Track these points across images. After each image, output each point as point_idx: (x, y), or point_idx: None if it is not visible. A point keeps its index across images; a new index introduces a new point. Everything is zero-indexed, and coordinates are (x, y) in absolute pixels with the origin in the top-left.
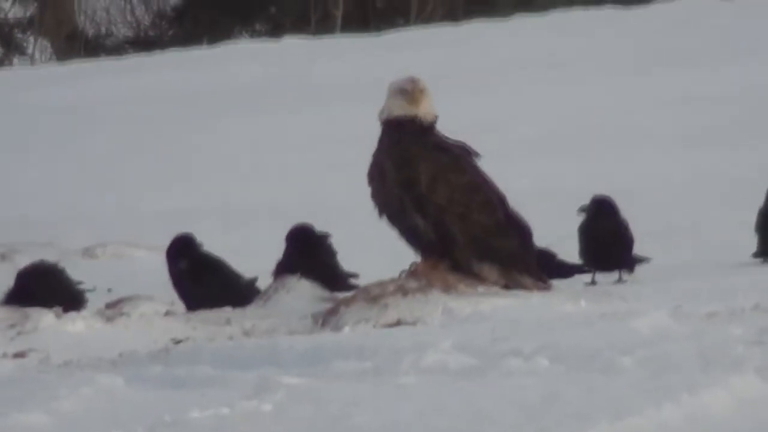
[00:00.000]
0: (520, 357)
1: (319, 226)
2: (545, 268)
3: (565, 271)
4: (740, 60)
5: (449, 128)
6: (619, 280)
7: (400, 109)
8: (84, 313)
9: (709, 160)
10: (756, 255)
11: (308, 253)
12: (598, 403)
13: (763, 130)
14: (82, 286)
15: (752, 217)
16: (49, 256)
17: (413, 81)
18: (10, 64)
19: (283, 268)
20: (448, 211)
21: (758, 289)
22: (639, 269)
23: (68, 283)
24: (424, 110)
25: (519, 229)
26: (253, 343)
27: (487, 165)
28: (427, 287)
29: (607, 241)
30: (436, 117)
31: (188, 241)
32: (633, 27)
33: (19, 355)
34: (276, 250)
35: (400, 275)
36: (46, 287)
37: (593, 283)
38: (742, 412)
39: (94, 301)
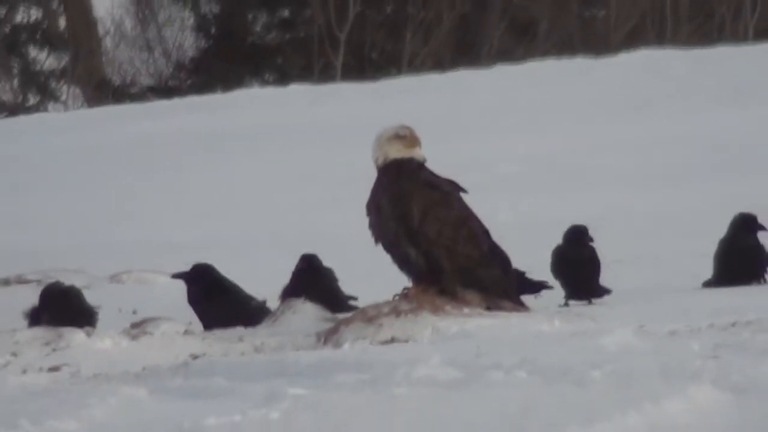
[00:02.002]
0: (501, 370)
1: (321, 255)
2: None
3: (533, 287)
4: (696, 106)
5: (439, 166)
6: (589, 302)
7: (397, 153)
8: (111, 332)
9: (670, 196)
10: (707, 284)
11: (314, 279)
12: (570, 411)
13: (718, 170)
14: (96, 308)
15: (708, 248)
16: (80, 282)
17: (408, 128)
18: (46, 109)
19: (290, 292)
20: (437, 243)
21: (712, 311)
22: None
23: (81, 302)
24: (417, 153)
25: (500, 260)
26: (262, 358)
27: (472, 200)
28: (418, 309)
29: (580, 265)
30: (426, 159)
31: (207, 268)
32: (601, 76)
33: (53, 369)
34: (280, 276)
35: (393, 298)
36: (62, 305)
37: (566, 305)
38: (699, 419)
39: (121, 321)
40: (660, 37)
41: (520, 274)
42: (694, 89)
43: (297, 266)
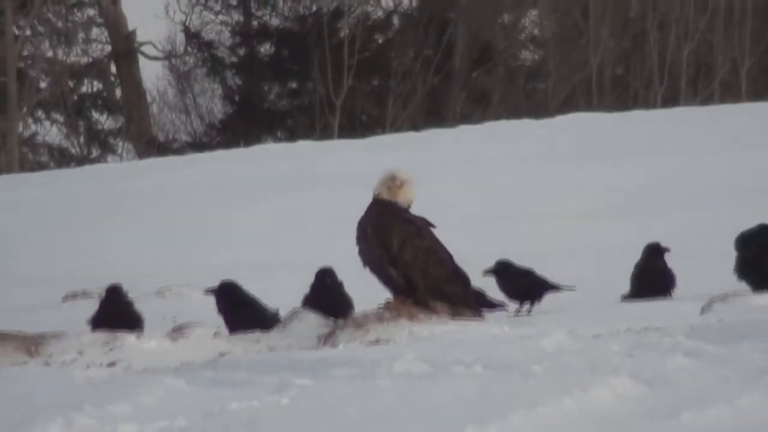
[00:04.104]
0: (462, 365)
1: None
2: (478, 302)
3: (491, 305)
4: (617, 158)
5: (414, 206)
6: (529, 312)
7: (387, 195)
8: (156, 335)
9: (597, 230)
10: (625, 298)
11: (326, 287)
12: (517, 397)
13: (634, 210)
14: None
15: (626, 270)
16: (132, 296)
17: (394, 179)
18: (105, 161)
19: (308, 301)
20: (412, 266)
21: (629, 319)
22: (545, 304)
23: (130, 309)
24: (402, 198)
25: (462, 279)
26: (275, 356)
27: (440, 233)
28: (398, 317)
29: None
30: (412, 202)
31: (231, 285)
32: (542, 134)
33: (110, 364)
34: (289, 292)
35: (378, 308)
36: (116, 310)
37: (516, 314)
38: (618, 404)
39: (163, 327)
40: (588, 104)
41: (480, 294)
42: (615, 145)
43: (316, 278)
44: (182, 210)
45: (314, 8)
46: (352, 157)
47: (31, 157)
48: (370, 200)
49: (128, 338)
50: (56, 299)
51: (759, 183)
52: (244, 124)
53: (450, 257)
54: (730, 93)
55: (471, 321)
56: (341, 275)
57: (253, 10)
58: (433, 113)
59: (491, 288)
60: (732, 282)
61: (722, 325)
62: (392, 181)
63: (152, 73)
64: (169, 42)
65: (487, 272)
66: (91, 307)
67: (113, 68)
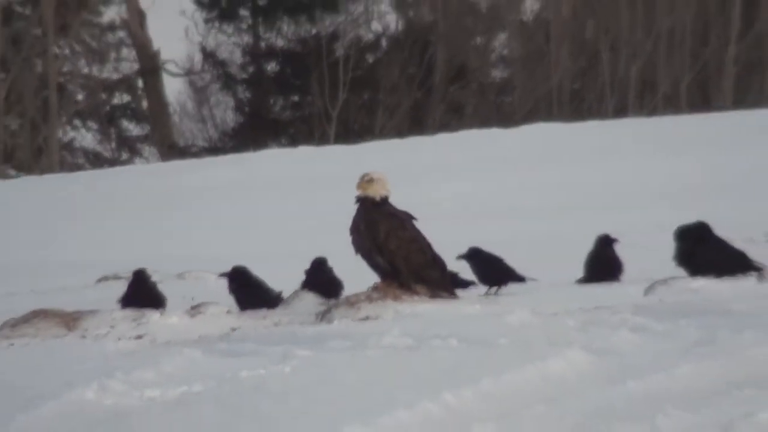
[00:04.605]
0: (439, 339)
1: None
2: (452, 282)
3: (463, 284)
4: (574, 161)
5: (399, 203)
6: (496, 293)
7: (362, 191)
8: (177, 312)
9: (556, 225)
10: (579, 281)
11: (321, 273)
12: (486, 365)
13: (588, 206)
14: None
15: (580, 258)
16: (156, 278)
17: (363, 176)
18: (133, 163)
19: (306, 284)
20: (396, 254)
21: (582, 299)
22: (511, 286)
23: (154, 290)
24: (372, 192)
25: (439, 265)
26: (280, 330)
27: (421, 225)
28: (384, 297)
29: (495, 268)
30: (386, 195)
31: (242, 269)
32: (509, 141)
33: (138, 337)
34: (291, 276)
35: (367, 290)
36: (143, 291)
37: (486, 295)
38: (573, 372)
39: (183, 305)
40: (549, 115)
41: (454, 275)
42: (572, 151)
43: (311, 265)
44: (199, 205)
45: (314, 32)
46: (345, 161)
47: (69, 160)
48: (355, 200)
49: (153, 315)
50: (91, 281)
51: (693, 183)
52: (253, 132)
53: (429, 245)
54: (671, 105)
55: (447, 301)
56: (335, 262)
57: (260, 33)
58: (416, 123)
59: (464, 270)
60: (671, 268)
61: (662, 305)
62: (362, 179)
63: (174, 88)
64: (188, 60)
65: (460, 257)
66: (121, 288)
67: (140, 83)
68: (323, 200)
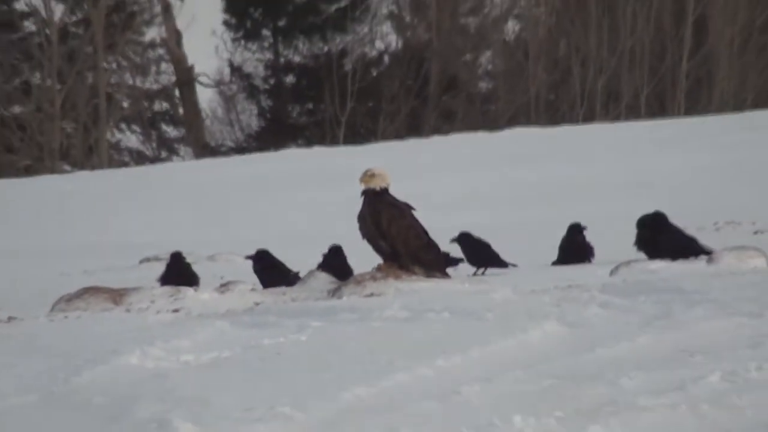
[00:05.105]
0: (433, 312)
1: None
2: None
3: (453, 262)
4: (548, 161)
5: (400, 195)
6: (483, 273)
7: (365, 184)
8: (208, 289)
9: (534, 214)
10: (554, 263)
11: (336, 258)
12: (475, 336)
13: (559, 200)
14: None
15: (554, 243)
16: (190, 259)
17: (366, 172)
18: (171, 160)
19: (322, 265)
20: (396, 238)
21: (557, 279)
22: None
23: (189, 270)
24: (374, 184)
25: (434, 248)
26: (296, 305)
27: (419, 214)
28: (386, 276)
29: (482, 251)
30: (385, 187)
31: (265, 252)
32: (493, 143)
33: (175, 311)
34: (307, 258)
35: (372, 270)
36: (179, 270)
37: (475, 275)
38: (549, 342)
39: (214, 283)
40: (527, 121)
41: (446, 254)
42: (547, 152)
43: (329, 250)
44: (228, 197)
45: (326, 49)
46: (353, 159)
47: (116, 158)
48: (361, 193)
49: (188, 291)
50: (134, 262)
51: (652, 179)
52: (273, 135)
53: (425, 231)
54: (632, 113)
55: (441, 280)
56: (345, 245)
57: (280, 50)
58: (413, 127)
59: (455, 251)
60: (632, 252)
61: (626, 284)
62: (365, 174)
63: (206, 96)
64: (218, 73)
65: (452, 240)
66: (160, 268)
67: (177, 93)
68: (334, 193)
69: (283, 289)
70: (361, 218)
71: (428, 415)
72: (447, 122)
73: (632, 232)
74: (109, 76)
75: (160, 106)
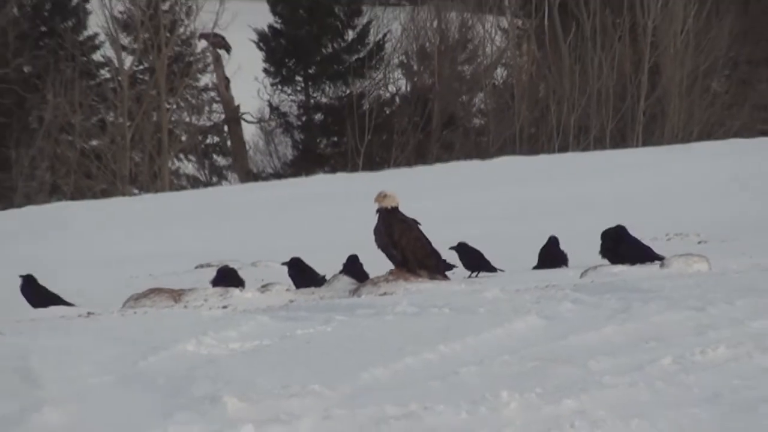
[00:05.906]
0: (436, 308)
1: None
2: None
3: (449, 267)
4: (533, 183)
5: (408, 212)
6: (476, 276)
7: (379, 203)
8: (251, 289)
9: (523, 228)
10: (534, 268)
11: (354, 265)
12: (469, 327)
13: (543, 215)
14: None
15: (535, 251)
16: (236, 266)
17: (379, 194)
18: (221, 184)
19: (344, 271)
20: (406, 248)
21: (537, 281)
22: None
23: (235, 274)
24: (386, 204)
25: (436, 256)
26: (324, 302)
27: (424, 227)
28: (397, 279)
29: (476, 258)
30: (395, 206)
31: (297, 259)
32: (485, 170)
33: (224, 307)
34: (332, 264)
35: (385, 274)
36: (226, 276)
37: (469, 278)
38: (531, 332)
39: (256, 285)
40: (513, 151)
41: (445, 262)
42: (529, 176)
43: (348, 259)
44: (268, 214)
45: (348, 92)
46: (370, 183)
47: (176, 182)
48: (376, 211)
49: (235, 291)
50: (191, 268)
51: (615, 198)
52: (305, 163)
53: (429, 242)
54: (599, 144)
55: (441, 282)
56: (363, 253)
57: (310, 93)
58: (419, 156)
59: (452, 257)
60: (598, 259)
61: (593, 284)
62: (379, 195)
63: (249, 131)
64: (259, 112)
65: (451, 248)
66: (212, 273)
67: (225, 128)
68: (354, 212)
69: (312, 289)
70: (377, 231)
71: (432, 392)
72: (447, 152)
73: (597, 243)
74: (170, 115)
75: (212, 139)
